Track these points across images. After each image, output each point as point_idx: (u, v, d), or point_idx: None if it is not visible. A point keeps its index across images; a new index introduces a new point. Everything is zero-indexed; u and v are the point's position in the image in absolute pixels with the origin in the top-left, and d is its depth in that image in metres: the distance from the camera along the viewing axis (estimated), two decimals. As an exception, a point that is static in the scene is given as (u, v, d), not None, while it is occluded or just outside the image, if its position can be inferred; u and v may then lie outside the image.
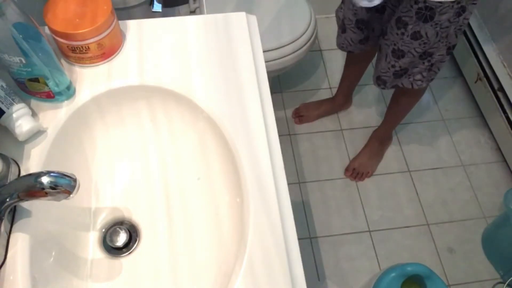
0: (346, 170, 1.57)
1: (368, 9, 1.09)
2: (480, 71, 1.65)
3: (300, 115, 1.66)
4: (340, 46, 1.31)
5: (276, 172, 0.60)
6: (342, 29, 1.24)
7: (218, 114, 0.64)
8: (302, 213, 1.49)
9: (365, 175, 1.56)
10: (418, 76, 1.15)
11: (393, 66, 1.13)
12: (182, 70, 0.68)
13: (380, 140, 1.58)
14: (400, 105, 1.41)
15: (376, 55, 1.26)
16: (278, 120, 0.60)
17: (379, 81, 1.22)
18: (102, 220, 0.67)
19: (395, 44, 1.07)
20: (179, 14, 1.17)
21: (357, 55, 1.34)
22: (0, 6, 0.50)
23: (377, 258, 1.43)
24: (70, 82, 0.64)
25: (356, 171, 1.55)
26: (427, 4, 0.95)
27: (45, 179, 0.46)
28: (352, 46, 1.27)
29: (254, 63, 0.69)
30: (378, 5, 1.03)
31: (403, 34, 1.03)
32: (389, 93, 1.46)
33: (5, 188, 0.49)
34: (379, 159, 1.60)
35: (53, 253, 0.57)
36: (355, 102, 1.74)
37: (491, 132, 1.68)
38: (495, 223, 1.45)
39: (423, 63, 1.10)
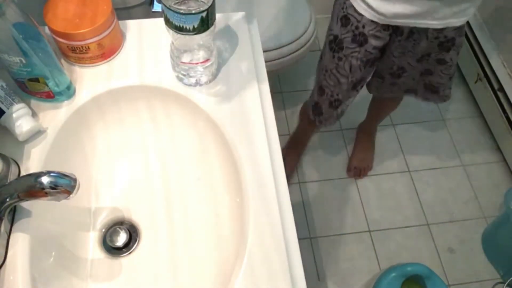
0: (348, 170, 1.57)
1: (370, 64, 1.02)
2: (480, 71, 1.65)
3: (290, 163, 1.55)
4: (336, 119, 1.22)
5: (276, 172, 0.60)
6: (336, 105, 1.13)
7: (218, 114, 0.64)
8: (302, 213, 1.49)
9: (367, 169, 1.57)
10: (447, 91, 1.13)
11: (423, 80, 1.10)
12: (182, 70, 0.68)
13: (368, 133, 1.60)
14: (388, 108, 1.43)
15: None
16: (278, 120, 0.60)
17: (410, 92, 1.17)
18: (102, 220, 0.67)
19: (421, 69, 1.05)
20: (179, 14, 1.17)
21: None
22: (0, 6, 0.50)
23: (377, 258, 1.43)
24: (70, 82, 0.64)
25: (358, 169, 1.56)
26: (447, 37, 0.94)
27: (45, 179, 0.46)
28: (346, 107, 1.19)
29: (254, 63, 0.69)
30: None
31: (427, 60, 1.01)
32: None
33: (5, 188, 0.49)
34: (373, 151, 1.62)
35: (53, 253, 0.57)
36: (355, 102, 1.73)
37: (491, 132, 1.68)
38: (495, 223, 1.45)
39: (450, 80, 1.09)
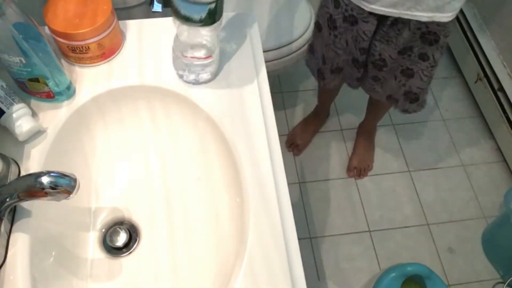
0: (348, 170, 1.57)
1: (362, 51, 1.06)
2: (480, 71, 1.65)
3: (296, 145, 1.60)
4: (339, 83, 1.25)
5: (276, 172, 0.60)
6: (337, 72, 1.19)
7: (218, 114, 0.64)
8: (302, 213, 1.49)
9: (367, 169, 1.57)
10: (425, 97, 1.16)
11: (403, 85, 1.11)
12: (182, 70, 0.68)
13: (368, 133, 1.60)
14: (384, 105, 1.42)
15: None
16: (278, 120, 0.60)
17: (391, 100, 1.20)
18: (102, 220, 0.67)
19: (402, 66, 1.06)
20: (179, 14, 1.17)
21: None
22: (0, 6, 0.50)
23: (377, 258, 1.43)
24: (70, 82, 0.64)
25: (358, 169, 1.56)
26: (430, 29, 0.94)
27: (45, 179, 0.46)
28: (350, 79, 1.23)
29: (254, 63, 0.69)
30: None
31: (409, 56, 1.02)
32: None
33: (5, 188, 0.49)
34: (373, 150, 1.62)
35: (53, 253, 0.57)
36: (355, 102, 1.74)
37: (491, 132, 1.68)
38: (495, 223, 1.45)
39: (429, 83, 1.11)
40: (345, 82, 1.27)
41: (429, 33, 0.95)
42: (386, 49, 1.03)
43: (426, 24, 0.93)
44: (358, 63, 1.12)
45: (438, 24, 0.93)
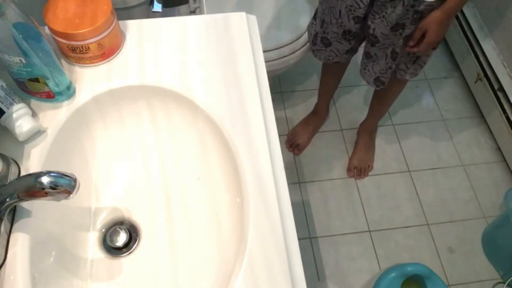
0: (348, 170, 1.58)
1: (356, 20, 1.09)
2: (480, 71, 1.65)
3: (296, 144, 1.61)
4: (326, 59, 1.28)
5: (276, 172, 0.60)
6: (325, 43, 1.22)
7: (218, 114, 0.64)
8: (302, 213, 1.49)
9: (367, 169, 1.57)
10: (402, 66, 1.18)
11: (390, 67, 1.14)
12: (182, 70, 0.68)
13: (369, 132, 1.60)
14: (384, 99, 1.43)
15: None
16: (278, 120, 0.60)
17: (378, 82, 1.22)
18: (102, 220, 0.67)
19: (394, 44, 1.08)
20: (179, 14, 1.17)
21: (336, 64, 1.33)
22: (0, 6, 0.50)
23: (377, 258, 1.43)
24: (70, 82, 0.64)
25: (358, 169, 1.56)
26: (422, 9, 0.96)
27: (45, 179, 0.46)
28: (339, 56, 1.25)
29: (254, 63, 0.69)
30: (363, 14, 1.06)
31: (401, 34, 1.04)
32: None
33: (5, 188, 0.49)
34: (373, 150, 1.63)
35: (53, 253, 0.57)
36: (355, 102, 1.74)
37: (491, 132, 1.69)
38: (495, 223, 1.45)
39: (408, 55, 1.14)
40: (333, 60, 1.28)
41: (420, 11, 0.97)
42: (379, 25, 1.05)
43: (419, 1, 0.95)
44: (350, 34, 1.14)
45: (428, 3, 0.95)
